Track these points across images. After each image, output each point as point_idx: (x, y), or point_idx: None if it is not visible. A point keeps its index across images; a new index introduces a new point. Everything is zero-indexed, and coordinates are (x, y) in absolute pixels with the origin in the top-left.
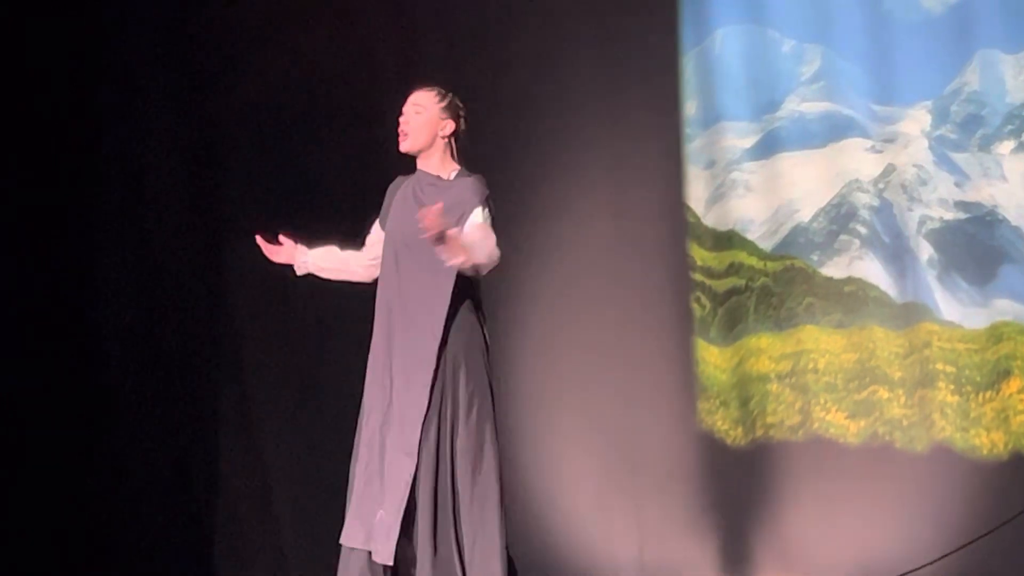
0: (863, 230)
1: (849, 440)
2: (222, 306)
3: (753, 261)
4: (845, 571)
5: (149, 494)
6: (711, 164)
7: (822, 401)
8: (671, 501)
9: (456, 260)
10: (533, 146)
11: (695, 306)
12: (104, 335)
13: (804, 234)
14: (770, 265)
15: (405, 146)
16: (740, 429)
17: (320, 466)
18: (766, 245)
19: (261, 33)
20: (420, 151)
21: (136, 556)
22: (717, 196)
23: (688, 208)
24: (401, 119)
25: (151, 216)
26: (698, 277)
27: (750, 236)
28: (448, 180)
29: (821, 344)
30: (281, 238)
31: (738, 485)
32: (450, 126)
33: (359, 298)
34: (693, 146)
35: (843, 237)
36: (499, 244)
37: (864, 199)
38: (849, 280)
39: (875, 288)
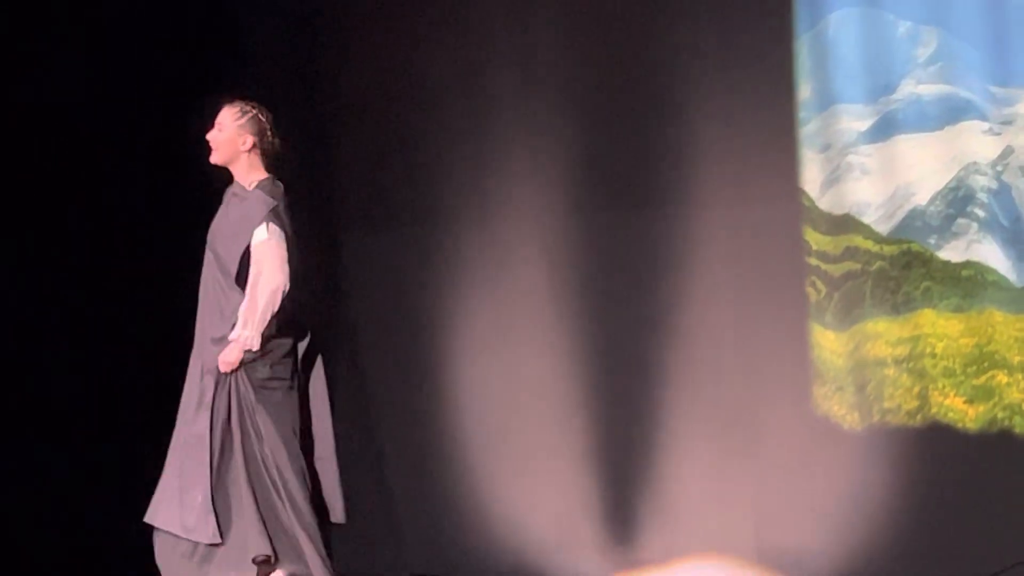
0: (981, 213)
1: (968, 425)
2: (339, 297)
3: (869, 245)
4: (964, 558)
5: None
6: (826, 148)
7: (940, 386)
8: (788, 486)
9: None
10: (648, 132)
11: (810, 291)
12: None
13: (921, 217)
14: (887, 249)
15: (211, 159)
16: (857, 414)
17: (437, 457)
18: (882, 229)
19: (375, 27)
20: (225, 164)
21: None
22: (832, 180)
23: (803, 192)
24: (208, 133)
25: None
26: (813, 261)
27: (866, 220)
28: (248, 191)
29: (939, 328)
30: None
31: (855, 470)
32: (250, 140)
33: (471, 289)
34: (808, 129)
35: (961, 220)
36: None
37: (982, 182)
38: (967, 264)
39: (993, 272)
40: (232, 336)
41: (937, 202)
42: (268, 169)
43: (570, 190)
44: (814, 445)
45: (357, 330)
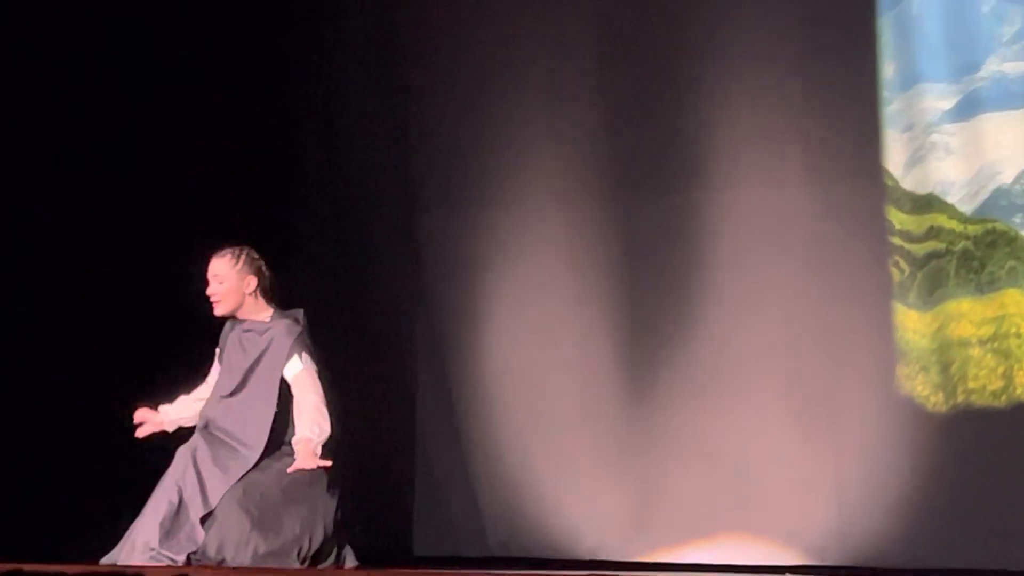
0: None
1: None
2: (418, 276)
3: (953, 224)
4: None
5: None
6: (909, 127)
7: None
8: (871, 467)
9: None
10: (728, 111)
11: (894, 271)
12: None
13: (1006, 196)
14: (971, 228)
15: (219, 311)
16: (941, 395)
17: (518, 437)
18: (966, 208)
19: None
20: (232, 312)
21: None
22: (916, 159)
23: (886, 172)
24: (208, 289)
25: (351, 192)
26: (896, 241)
27: (950, 199)
28: (265, 322)
29: None
30: (139, 415)
31: (938, 451)
32: (252, 281)
33: (551, 269)
34: (891, 109)
35: None
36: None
37: None
38: None
39: None
40: (306, 435)
41: (1022, 181)
42: (272, 303)
43: (650, 172)
44: (897, 426)
45: (434, 309)
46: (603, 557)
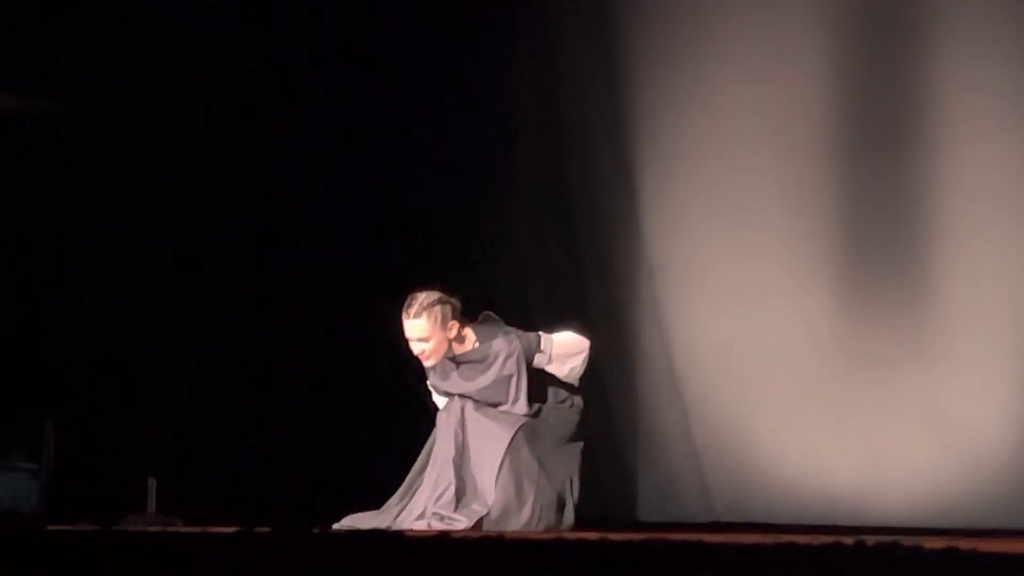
0: None
1: None
2: (638, 240)
3: None
4: None
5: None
6: None
7: None
8: None
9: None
10: (954, 69)
11: None
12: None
13: None
14: None
15: (430, 364)
16: None
17: (742, 401)
18: None
19: None
20: (444, 357)
21: None
22: None
23: None
24: (413, 348)
25: (568, 153)
26: None
27: None
28: (476, 350)
29: None
30: None
31: None
32: (454, 327)
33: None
34: None
35: None
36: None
37: None
38: None
39: None
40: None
41: None
42: (468, 325)
43: (874, 131)
44: None
45: (654, 272)
46: (832, 521)
